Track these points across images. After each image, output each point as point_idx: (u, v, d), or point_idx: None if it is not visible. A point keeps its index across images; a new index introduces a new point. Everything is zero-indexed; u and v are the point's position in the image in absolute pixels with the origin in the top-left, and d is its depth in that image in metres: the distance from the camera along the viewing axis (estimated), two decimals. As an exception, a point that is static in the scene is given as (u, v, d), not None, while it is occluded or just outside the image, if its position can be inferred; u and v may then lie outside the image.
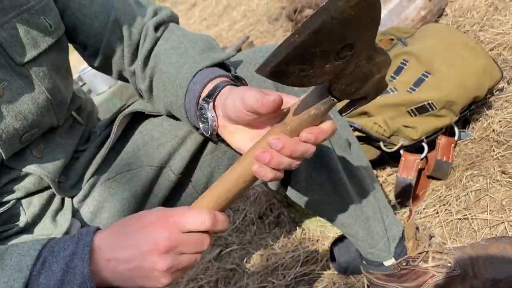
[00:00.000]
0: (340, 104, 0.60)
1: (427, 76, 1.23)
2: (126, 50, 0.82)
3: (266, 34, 3.79)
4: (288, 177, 0.90)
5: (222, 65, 0.79)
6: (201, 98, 0.71)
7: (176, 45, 0.80)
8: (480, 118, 1.38)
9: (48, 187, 0.81)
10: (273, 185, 0.90)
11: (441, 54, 1.23)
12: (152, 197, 0.88)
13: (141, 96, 0.89)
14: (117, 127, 0.83)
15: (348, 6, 0.43)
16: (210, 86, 0.70)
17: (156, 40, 0.82)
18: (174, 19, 0.89)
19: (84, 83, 1.83)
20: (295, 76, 0.48)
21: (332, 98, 0.55)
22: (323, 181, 0.87)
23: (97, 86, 1.65)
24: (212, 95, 0.68)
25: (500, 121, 1.31)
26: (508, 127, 1.28)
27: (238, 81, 0.74)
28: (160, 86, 0.80)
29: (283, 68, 0.47)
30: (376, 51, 0.51)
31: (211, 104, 0.68)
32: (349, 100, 0.59)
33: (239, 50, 3.48)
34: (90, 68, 1.66)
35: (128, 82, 0.91)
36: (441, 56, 1.23)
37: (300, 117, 0.57)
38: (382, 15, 2.04)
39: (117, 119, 0.84)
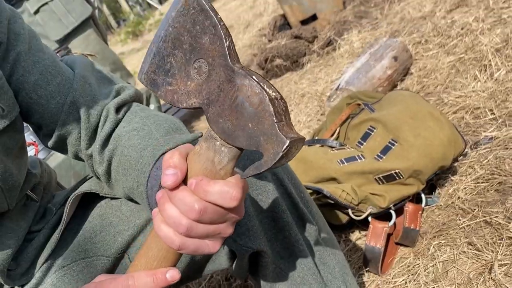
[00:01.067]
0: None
1: (393, 144, 1.25)
2: (84, 133, 0.78)
3: (237, 81, 3.82)
4: (256, 267, 0.87)
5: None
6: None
7: (138, 127, 0.76)
8: (446, 184, 1.40)
9: None
10: (240, 274, 0.86)
11: (407, 122, 1.25)
12: None
13: (98, 178, 0.84)
14: (69, 208, 0.78)
15: (179, 13, 0.48)
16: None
17: (117, 122, 0.79)
18: (137, 98, 0.86)
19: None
20: (164, 88, 0.50)
21: (214, 135, 0.49)
22: (293, 272, 0.84)
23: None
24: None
25: (465, 187, 1.33)
26: (473, 194, 1.30)
27: None
28: (119, 170, 0.75)
29: (152, 76, 0.50)
30: (234, 72, 0.46)
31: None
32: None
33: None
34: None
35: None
36: (407, 125, 1.25)
37: (193, 166, 0.51)
38: (350, 74, 2.10)
39: (69, 200, 0.79)
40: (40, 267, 0.78)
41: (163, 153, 0.69)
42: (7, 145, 0.75)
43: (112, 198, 0.83)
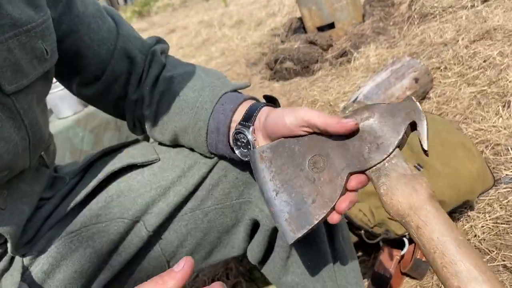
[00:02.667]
0: None
1: (419, 169, 1.17)
2: (134, 77, 0.76)
3: (243, 77, 3.73)
4: (266, 254, 0.80)
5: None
6: (237, 122, 0.67)
7: (189, 70, 0.75)
8: (462, 219, 1.33)
9: None
10: (255, 255, 0.79)
11: (436, 149, 1.18)
12: (115, 257, 0.74)
13: (134, 128, 0.82)
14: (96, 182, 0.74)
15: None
16: (242, 109, 0.67)
17: (163, 66, 0.78)
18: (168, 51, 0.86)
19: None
20: (314, 210, 0.57)
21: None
22: (307, 264, 0.77)
23: (61, 110, 1.48)
24: (249, 119, 0.65)
25: (483, 226, 1.26)
26: (491, 234, 1.23)
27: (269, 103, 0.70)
28: (172, 110, 0.73)
29: (301, 222, 0.57)
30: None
31: (251, 128, 0.65)
32: None
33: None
34: (58, 89, 1.51)
35: (117, 115, 0.85)
36: (436, 151, 1.18)
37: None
38: (369, 88, 2.02)
39: (104, 173, 0.74)
40: (45, 234, 0.69)
41: (225, 93, 0.70)
42: (40, 94, 0.69)
43: (137, 168, 0.77)
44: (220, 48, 4.86)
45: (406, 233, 1.16)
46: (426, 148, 0.52)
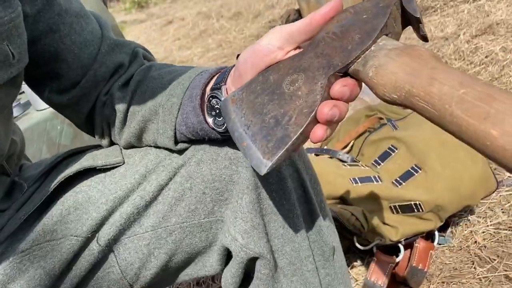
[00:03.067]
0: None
1: (417, 171, 1.09)
2: (121, 81, 0.69)
3: (239, 70, 3.64)
4: (248, 280, 0.71)
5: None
6: (208, 88, 0.60)
7: (168, 64, 0.69)
8: (461, 223, 1.25)
9: None
10: (231, 285, 0.70)
11: (436, 149, 1.10)
12: (69, 278, 0.66)
13: (102, 135, 0.74)
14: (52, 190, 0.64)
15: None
16: (214, 79, 0.60)
17: (142, 65, 0.72)
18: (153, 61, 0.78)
19: (23, 92, 1.58)
20: (288, 133, 0.49)
21: None
22: None
23: (40, 101, 1.40)
24: (221, 81, 0.58)
25: (483, 232, 1.19)
26: (492, 241, 1.15)
27: None
28: (146, 94, 0.65)
29: (273, 145, 0.49)
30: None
31: (223, 87, 0.57)
32: None
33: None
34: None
35: (88, 129, 0.76)
36: (435, 152, 1.10)
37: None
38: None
39: (56, 182, 0.65)
40: None
41: (204, 71, 0.62)
42: (3, 101, 0.61)
43: (99, 170, 0.67)
44: (217, 40, 4.77)
45: (402, 239, 1.09)
46: (417, 15, 0.46)
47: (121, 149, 0.70)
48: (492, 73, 2.07)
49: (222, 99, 0.56)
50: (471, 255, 1.14)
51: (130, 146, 0.69)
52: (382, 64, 0.43)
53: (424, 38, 0.49)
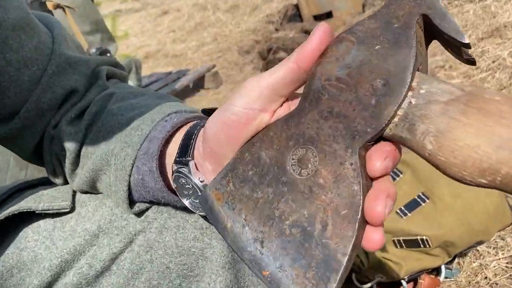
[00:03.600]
0: None
1: (424, 201, 0.98)
2: (75, 112, 0.55)
3: (234, 66, 3.50)
4: None
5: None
6: (168, 155, 0.47)
7: (134, 91, 0.57)
8: (469, 253, 1.14)
9: None
10: None
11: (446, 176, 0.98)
12: None
13: (54, 173, 0.60)
14: None
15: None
16: (179, 137, 0.47)
17: (105, 89, 0.58)
18: (125, 80, 0.65)
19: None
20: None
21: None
22: None
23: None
24: (186, 151, 0.45)
25: (494, 266, 1.07)
26: (505, 277, 1.04)
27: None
28: (100, 134, 0.53)
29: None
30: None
31: (191, 163, 0.44)
32: None
33: (201, 77, 3.18)
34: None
35: (39, 162, 0.62)
36: (445, 179, 0.98)
37: None
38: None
39: None
40: None
41: (172, 113, 0.50)
42: None
43: (47, 216, 0.55)
44: (212, 34, 4.63)
45: (406, 276, 0.97)
46: (466, 41, 0.34)
47: (73, 192, 0.57)
48: (500, 80, 1.95)
49: (195, 183, 0.42)
50: (480, 292, 1.04)
51: (84, 192, 0.57)
52: (443, 130, 0.30)
53: (470, 62, 0.36)
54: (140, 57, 4.49)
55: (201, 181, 0.43)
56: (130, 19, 7.29)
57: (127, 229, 0.50)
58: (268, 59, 3.18)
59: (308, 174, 0.35)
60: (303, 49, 0.36)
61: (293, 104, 0.40)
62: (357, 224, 0.32)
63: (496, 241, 1.15)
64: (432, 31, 0.36)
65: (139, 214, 0.50)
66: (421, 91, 0.32)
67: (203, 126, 0.44)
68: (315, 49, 0.36)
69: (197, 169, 0.43)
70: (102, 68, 0.59)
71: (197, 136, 0.44)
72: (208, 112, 0.47)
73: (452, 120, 0.29)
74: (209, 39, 4.46)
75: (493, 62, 2.15)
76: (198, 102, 3.05)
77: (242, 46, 3.89)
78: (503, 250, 1.11)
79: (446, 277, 1.09)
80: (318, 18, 3.27)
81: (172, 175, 0.45)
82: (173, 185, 0.45)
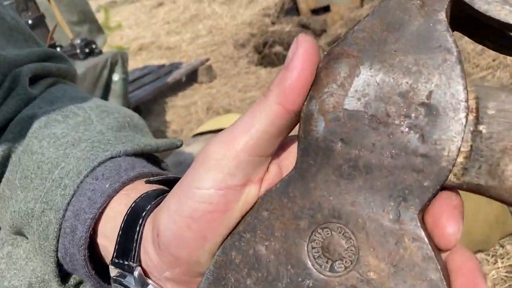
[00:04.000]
0: None
1: (421, 207, 0.92)
2: None
3: (229, 60, 3.44)
4: None
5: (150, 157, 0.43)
6: (103, 237, 0.35)
7: (67, 110, 0.43)
8: (467, 261, 1.09)
9: None
10: None
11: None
12: None
13: None
14: None
15: None
16: (116, 217, 0.34)
17: (28, 100, 0.45)
18: (70, 77, 0.52)
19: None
20: None
21: None
22: None
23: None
24: (128, 250, 0.31)
25: (493, 275, 1.02)
26: (504, 287, 0.99)
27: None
28: (17, 178, 0.40)
29: None
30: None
31: (137, 271, 0.31)
32: None
33: (195, 71, 3.12)
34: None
35: None
36: (444, 184, 0.93)
37: None
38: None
39: None
40: None
41: (112, 158, 0.37)
42: None
43: None
44: (207, 26, 4.56)
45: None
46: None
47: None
48: (501, 79, 1.90)
49: None
50: (479, 304, 0.98)
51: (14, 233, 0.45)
52: None
53: None
54: (133, 49, 4.41)
55: None
56: (125, 10, 7.19)
57: None
58: (263, 53, 3.12)
59: (346, 268, 0.24)
60: (286, 82, 0.25)
61: (284, 160, 0.29)
62: None
63: (495, 249, 1.10)
64: (461, 19, 0.26)
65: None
66: (489, 112, 0.23)
67: (155, 206, 0.32)
68: (301, 78, 0.25)
69: (147, 276, 0.31)
70: (23, 69, 0.46)
71: (142, 229, 0.31)
72: (155, 180, 0.35)
73: None
74: (204, 32, 4.39)
75: (494, 60, 2.10)
76: (191, 96, 2.98)
77: (237, 39, 3.82)
78: (502, 259, 1.06)
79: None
80: (315, 12, 3.22)
81: (112, 281, 0.33)
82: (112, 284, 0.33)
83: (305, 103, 0.25)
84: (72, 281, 0.39)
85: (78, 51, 1.49)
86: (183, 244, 0.27)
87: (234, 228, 0.27)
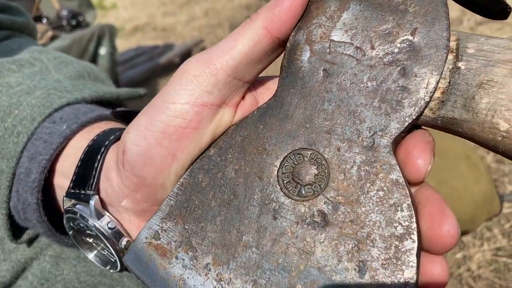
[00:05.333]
0: None
1: (408, 186, 0.90)
2: None
3: (224, 42, 3.40)
4: None
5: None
6: (60, 175, 0.34)
7: (23, 59, 0.42)
8: (453, 244, 1.08)
9: None
10: None
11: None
12: None
13: None
14: None
15: None
16: (76, 153, 0.33)
17: None
18: (29, 30, 0.51)
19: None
20: None
21: None
22: None
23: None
24: (86, 179, 0.30)
25: (479, 258, 1.01)
26: (489, 270, 0.98)
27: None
28: None
29: None
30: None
31: (93, 200, 0.29)
32: None
33: (188, 52, 3.07)
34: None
35: None
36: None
37: None
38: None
39: None
40: None
41: (69, 104, 0.37)
42: None
43: None
44: (204, 8, 4.50)
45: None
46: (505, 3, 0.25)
47: None
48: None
49: (102, 230, 0.29)
50: (462, 285, 0.97)
51: None
52: None
53: (504, 13, 0.27)
54: (128, 30, 4.35)
55: (111, 228, 0.29)
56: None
57: (15, 255, 0.39)
58: (259, 36, 3.08)
59: (315, 192, 0.23)
60: (276, 8, 0.25)
61: (261, 94, 0.29)
62: (415, 261, 0.21)
63: (482, 232, 1.09)
64: None
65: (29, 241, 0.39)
66: (469, 51, 0.23)
67: (117, 138, 0.31)
68: (292, 7, 0.25)
69: (103, 207, 0.30)
70: None
71: (104, 156, 0.30)
72: (123, 115, 0.34)
73: None
74: (200, 14, 4.33)
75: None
76: (185, 77, 2.95)
77: (234, 22, 3.78)
78: (489, 241, 1.05)
79: (427, 268, 1.03)
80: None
81: (64, 213, 0.31)
82: (67, 230, 0.32)
83: (292, 33, 0.26)
84: (25, 236, 0.37)
85: (64, 23, 1.45)
86: (150, 162, 0.26)
87: (204, 151, 0.27)
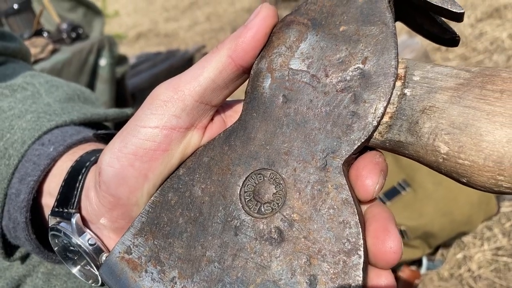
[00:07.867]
0: None
1: (404, 188, 0.91)
2: None
3: (226, 47, 3.42)
4: None
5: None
6: (48, 195, 0.36)
7: (15, 85, 0.44)
8: (453, 244, 1.08)
9: None
10: None
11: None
12: None
13: None
14: None
15: None
16: (61, 169, 0.35)
17: None
18: (22, 55, 0.52)
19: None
20: None
21: None
22: None
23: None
24: (68, 198, 0.32)
25: (479, 258, 1.02)
26: (490, 270, 0.99)
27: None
28: None
29: None
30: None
31: (74, 218, 0.31)
32: None
33: (191, 58, 3.10)
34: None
35: None
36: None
37: None
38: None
39: None
40: None
41: (60, 127, 0.39)
42: None
43: None
44: (206, 13, 4.52)
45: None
46: (453, 30, 0.28)
47: None
48: (497, 62, 1.88)
49: (82, 247, 0.30)
50: (463, 286, 0.98)
51: None
52: (461, 125, 0.23)
53: (453, 42, 0.29)
54: (131, 37, 4.39)
55: (92, 244, 0.30)
56: (125, -2, 7.14)
57: (10, 272, 0.41)
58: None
59: (273, 210, 0.25)
60: (240, 39, 0.26)
61: (229, 116, 0.30)
62: (361, 276, 0.23)
63: (482, 231, 1.09)
64: (402, 7, 0.28)
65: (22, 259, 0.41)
66: (415, 78, 0.25)
67: (96, 161, 0.32)
68: (255, 38, 0.27)
69: (85, 225, 0.31)
70: None
71: (85, 177, 0.32)
72: (104, 137, 0.35)
73: (469, 109, 0.22)
74: (202, 19, 4.35)
75: (491, 44, 2.07)
76: (188, 83, 2.97)
77: (235, 26, 3.79)
78: (489, 241, 1.05)
79: (428, 269, 1.03)
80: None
81: (49, 230, 0.32)
82: (53, 246, 0.33)
83: (256, 61, 0.28)
84: (17, 254, 0.39)
85: (65, 35, 1.47)
86: (124, 183, 0.27)
87: (174, 171, 0.28)
